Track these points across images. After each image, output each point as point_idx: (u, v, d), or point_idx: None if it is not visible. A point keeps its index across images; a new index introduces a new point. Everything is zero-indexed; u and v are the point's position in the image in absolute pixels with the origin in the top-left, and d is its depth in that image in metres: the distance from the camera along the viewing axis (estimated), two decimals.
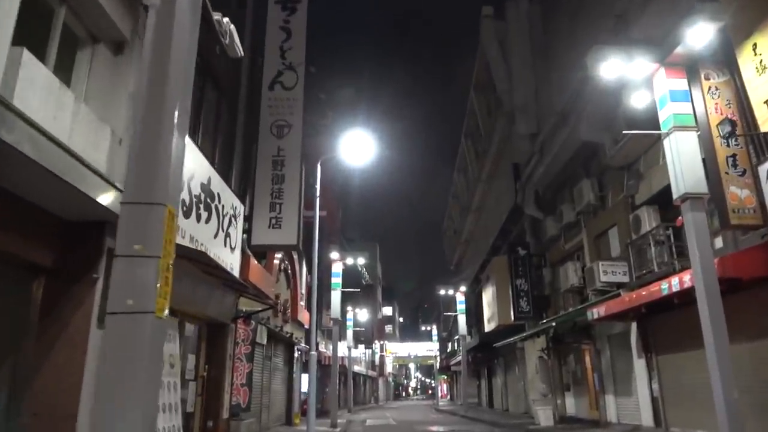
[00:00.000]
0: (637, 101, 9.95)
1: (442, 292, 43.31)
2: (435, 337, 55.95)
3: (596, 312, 12.69)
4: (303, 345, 22.99)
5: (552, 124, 16.89)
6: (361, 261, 33.71)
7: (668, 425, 12.14)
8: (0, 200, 4.96)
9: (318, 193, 12.09)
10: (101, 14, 6.06)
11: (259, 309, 11.01)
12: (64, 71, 5.94)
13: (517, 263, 20.06)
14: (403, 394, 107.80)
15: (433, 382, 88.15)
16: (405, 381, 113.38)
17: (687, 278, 8.73)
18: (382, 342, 62.17)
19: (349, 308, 34.70)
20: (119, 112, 6.44)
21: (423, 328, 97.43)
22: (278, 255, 15.29)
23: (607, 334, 15.15)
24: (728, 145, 8.85)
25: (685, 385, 11.41)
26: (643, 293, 10.34)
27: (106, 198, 5.84)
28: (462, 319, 30.68)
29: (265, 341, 14.43)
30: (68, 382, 5.58)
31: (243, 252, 11.52)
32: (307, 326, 22.36)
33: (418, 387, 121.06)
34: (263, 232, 11.25)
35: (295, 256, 18.19)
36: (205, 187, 8.83)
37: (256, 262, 12.07)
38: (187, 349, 9.35)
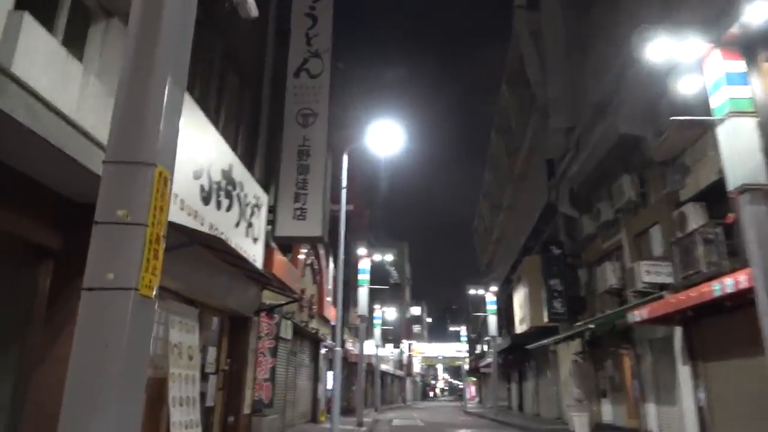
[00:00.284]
0: (685, 87, 9.25)
1: (472, 291, 42.52)
2: (464, 338, 55.10)
3: (638, 314, 11.94)
4: (329, 342, 22.71)
5: (589, 117, 16.13)
6: (389, 258, 33.21)
7: None
8: (6, 178, 4.68)
9: (345, 184, 11.67)
10: None
11: (283, 302, 10.67)
12: (76, 46, 5.65)
13: (551, 263, 19.31)
14: (431, 394, 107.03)
15: (460, 383, 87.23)
16: (432, 382, 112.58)
17: (743, 278, 8.01)
18: (410, 341, 61.63)
19: (377, 306, 34.31)
20: None
21: (451, 329, 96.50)
22: (304, 249, 14.97)
23: (648, 338, 14.34)
24: None
25: (735, 396, 10.61)
26: (693, 294, 9.61)
27: None
28: (492, 320, 29.96)
29: (290, 336, 14.11)
30: None
31: (267, 244, 11.21)
32: (333, 323, 22.06)
33: (446, 388, 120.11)
34: (287, 223, 10.90)
35: (322, 252, 17.86)
36: (227, 174, 8.50)
37: (280, 255, 11.75)
38: (207, 342, 9.05)
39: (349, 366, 29.19)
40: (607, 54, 15.04)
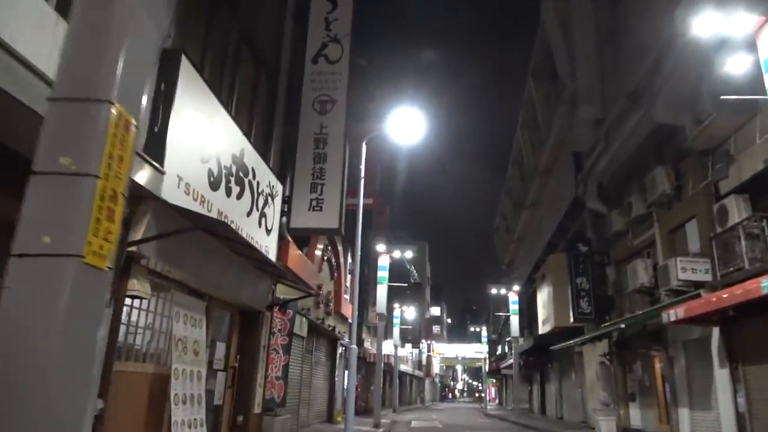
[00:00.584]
0: (732, 66, 8.53)
1: (494, 291, 41.69)
2: (484, 339, 54.23)
3: (674, 314, 11.18)
4: (346, 340, 22.24)
5: (620, 107, 15.37)
6: (408, 254, 32.59)
7: None
8: None
9: (363, 174, 11.15)
10: None
11: (296, 297, 10.18)
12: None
13: (577, 260, 18.54)
14: (450, 395, 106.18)
15: (480, 385, 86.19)
16: (452, 383, 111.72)
17: None
18: (429, 342, 60.94)
19: (396, 305, 33.74)
20: None
21: (471, 329, 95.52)
22: (321, 244, 14.49)
23: (682, 339, 13.56)
24: None
25: None
26: (738, 292, 8.87)
27: None
28: (515, 320, 29.20)
29: (305, 333, 13.65)
30: None
31: (282, 237, 10.73)
32: (351, 320, 21.60)
33: (465, 389, 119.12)
34: (303, 214, 10.41)
35: (340, 247, 17.38)
36: (237, 160, 8.03)
37: (296, 248, 11.27)
38: (216, 337, 8.60)
39: (368, 366, 28.69)
40: (642, 40, 14.30)
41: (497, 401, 66.93)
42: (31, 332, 1.80)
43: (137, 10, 2.23)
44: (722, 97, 8.89)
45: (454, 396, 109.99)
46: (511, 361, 34.29)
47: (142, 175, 5.47)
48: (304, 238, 13.41)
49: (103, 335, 5.17)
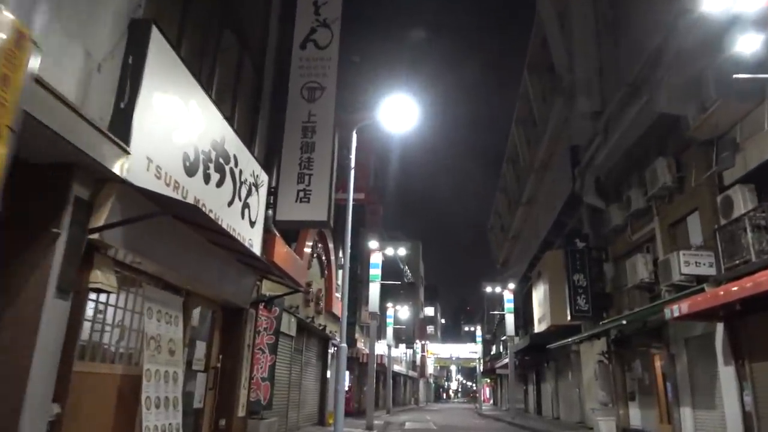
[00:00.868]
0: (743, 45, 8.08)
1: (488, 289, 41.24)
2: (478, 339, 53.79)
3: (677, 309, 10.76)
4: (338, 340, 21.69)
5: (620, 98, 14.94)
6: (402, 252, 32.05)
7: None
8: None
9: (353, 165, 10.62)
10: None
11: (282, 293, 9.65)
12: None
13: (574, 257, 18.12)
14: (444, 396, 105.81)
15: (474, 385, 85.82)
16: (446, 383, 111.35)
17: None
18: (423, 342, 60.48)
19: (390, 305, 33.23)
20: (99, 30, 5.14)
21: (466, 329, 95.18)
22: (310, 242, 13.95)
23: (684, 336, 13.14)
24: None
25: None
26: (748, 285, 8.42)
27: (75, 134, 4.55)
28: (510, 319, 28.75)
29: (294, 333, 13.11)
30: (12, 369, 4.30)
31: (268, 230, 10.20)
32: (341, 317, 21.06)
33: (459, 390, 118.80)
34: (289, 206, 9.87)
35: (331, 245, 16.85)
36: (218, 146, 7.50)
37: (283, 243, 10.74)
38: (196, 335, 8.05)
39: (361, 366, 28.16)
40: (643, 28, 13.89)
41: (492, 401, 66.57)
42: None
43: None
44: (735, 75, 8.43)
45: (448, 396, 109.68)
46: (506, 360, 33.85)
47: (105, 155, 4.94)
48: (292, 234, 12.88)
49: (57, 331, 4.64)
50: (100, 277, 5.17)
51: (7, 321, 4.44)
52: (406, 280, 46.53)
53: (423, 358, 60.56)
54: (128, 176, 5.25)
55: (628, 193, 15.39)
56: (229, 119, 8.09)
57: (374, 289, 19.25)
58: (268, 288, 10.40)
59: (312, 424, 16.12)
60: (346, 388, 27.74)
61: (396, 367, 40.89)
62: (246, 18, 9.81)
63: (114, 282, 5.40)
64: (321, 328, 15.69)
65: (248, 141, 9.39)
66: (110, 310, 5.97)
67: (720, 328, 11.37)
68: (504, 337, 35.85)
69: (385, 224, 33.33)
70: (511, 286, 30.42)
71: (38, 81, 4.83)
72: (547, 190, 24.68)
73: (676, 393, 13.37)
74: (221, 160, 7.60)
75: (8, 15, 1.61)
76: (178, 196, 6.16)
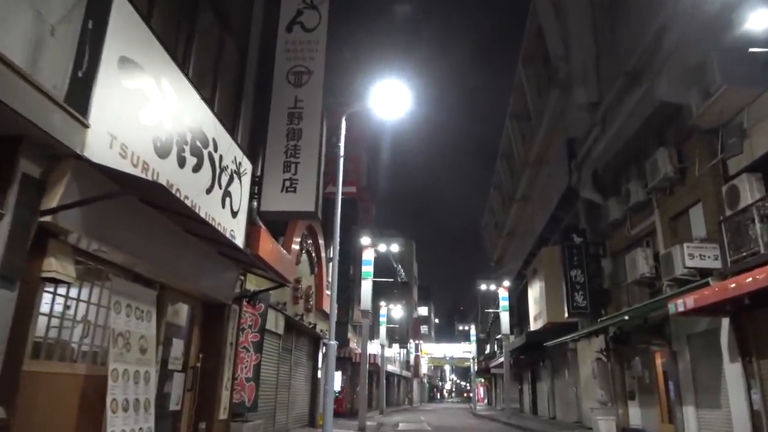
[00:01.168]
0: (754, 23, 7.61)
1: (483, 287, 40.77)
2: (473, 338, 53.36)
3: (681, 304, 10.28)
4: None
5: (618, 87, 14.49)
6: (395, 248, 31.48)
7: None
8: None
9: (342, 153, 10.09)
10: None
11: (266, 288, 9.11)
12: None
13: (572, 252, 17.65)
14: (438, 396, 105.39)
15: (468, 385, 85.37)
16: (440, 383, 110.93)
17: None
18: (417, 342, 59.98)
19: (383, 303, 32.69)
20: None
21: (460, 328, 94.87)
22: (297, 237, 13.39)
23: (686, 333, 12.68)
24: None
25: None
26: (761, 276, 7.94)
27: (23, 103, 4.01)
28: (505, 317, 28.28)
29: (282, 331, 12.55)
30: None
31: (252, 223, 9.67)
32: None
33: (453, 390, 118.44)
34: (275, 196, 9.35)
35: (321, 241, 16.29)
36: (195, 128, 6.97)
37: (269, 237, 10.19)
38: (173, 332, 7.50)
39: (353, 366, 27.61)
40: (642, 14, 13.42)
41: (486, 401, 66.16)
42: None
43: None
44: (751, 49, 7.97)
45: (442, 396, 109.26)
46: (501, 359, 33.40)
47: (59, 127, 4.40)
48: (280, 228, 12.34)
49: (1, 325, 4.09)
50: (54, 265, 4.63)
51: None
52: (399, 280, 46.00)
53: (417, 357, 60.04)
54: (87, 153, 4.71)
55: (627, 186, 14.95)
56: (207, 101, 7.55)
57: (366, 287, 18.72)
58: (253, 284, 9.85)
59: (302, 425, 15.56)
60: (338, 389, 27.29)
61: (389, 367, 40.36)
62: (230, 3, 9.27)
63: (72, 271, 4.85)
64: (311, 326, 15.14)
65: (231, 127, 8.86)
66: (74, 305, 5.43)
67: (726, 323, 10.92)
68: (499, 336, 35.44)
69: (377, 223, 32.80)
70: (506, 283, 29.97)
71: (55, 101, 4.33)
72: (543, 186, 24.24)
73: (678, 392, 12.91)
74: (198, 144, 7.05)
75: None
76: (135, 169, 5.60)
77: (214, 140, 7.56)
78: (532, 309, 24.89)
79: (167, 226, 6.32)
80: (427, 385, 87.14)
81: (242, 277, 9.19)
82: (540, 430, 18.72)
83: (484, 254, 47.59)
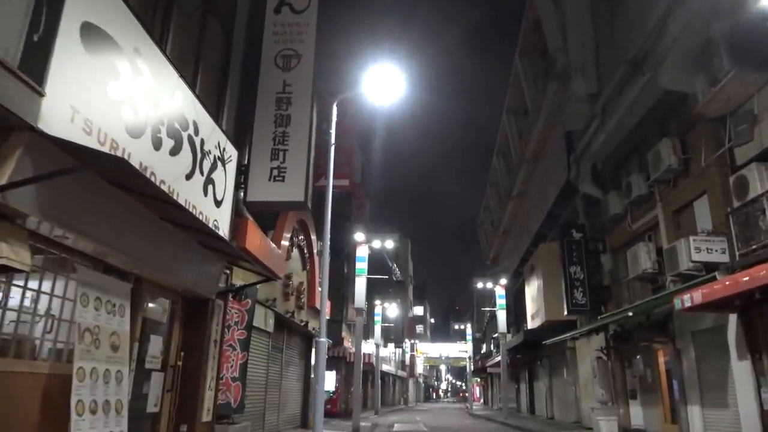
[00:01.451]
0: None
1: (480, 285, 40.29)
2: (469, 337, 52.93)
3: (688, 299, 9.85)
4: (327, 339, 20.60)
5: (619, 77, 14.03)
6: (390, 244, 30.96)
7: None
8: None
9: (333, 141, 9.60)
10: None
11: (253, 282, 8.61)
12: None
13: (571, 248, 17.22)
14: (434, 396, 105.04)
15: (464, 384, 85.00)
16: (436, 383, 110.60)
17: None
18: (412, 341, 59.54)
19: (378, 302, 32.20)
20: None
21: (455, 327, 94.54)
22: (289, 228, 12.90)
23: (691, 329, 12.26)
24: None
25: None
26: None
27: None
28: (502, 315, 27.84)
29: (272, 329, 12.05)
30: None
31: (239, 214, 9.19)
32: (328, 316, 20.01)
33: (449, 389, 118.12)
34: (262, 185, 8.85)
35: (314, 236, 15.79)
36: (172, 108, 6.46)
37: (257, 229, 9.71)
38: (151, 329, 7.00)
39: (348, 366, 27.13)
40: (642, 7, 12.97)
41: (482, 401, 65.79)
42: None
43: None
44: None
45: (438, 396, 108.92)
46: (498, 359, 32.98)
47: (11, 96, 3.91)
48: (270, 221, 11.85)
49: None
50: (5, 250, 4.12)
51: None
52: (394, 278, 45.54)
53: (412, 357, 59.60)
54: (43, 125, 4.21)
55: (628, 179, 14.51)
56: (187, 81, 7.03)
57: (360, 284, 18.23)
58: (240, 278, 9.35)
59: (294, 427, 15.06)
60: (333, 389, 26.80)
61: (385, 367, 39.90)
62: None
63: (27, 258, 4.35)
64: (303, 324, 14.64)
65: (215, 112, 8.36)
66: (36, 297, 4.94)
67: (733, 319, 10.50)
68: (495, 335, 35.02)
69: (372, 221, 32.29)
70: (503, 281, 29.53)
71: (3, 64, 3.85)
72: (540, 182, 23.81)
73: (682, 391, 12.48)
74: (177, 126, 6.55)
75: None
76: (97, 143, 5.10)
77: (195, 123, 7.07)
78: (530, 307, 24.47)
79: (142, 213, 5.82)
80: (423, 384, 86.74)
81: (227, 271, 8.69)
82: (538, 430, 18.29)
83: (480, 253, 47.18)
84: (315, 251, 15.96)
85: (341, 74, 13.80)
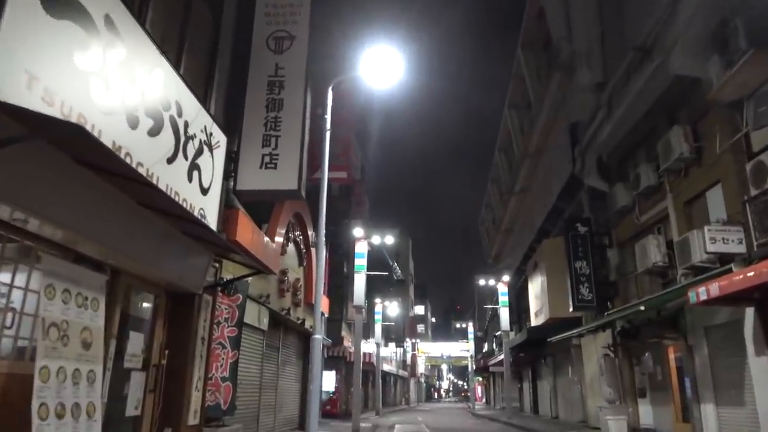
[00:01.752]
0: None
1: (482, 282, 39.74)
2: (470, 335, 52.43)
3: (704, 292, 9.33)
4: (325, 338, 20.12)
5: (627, 64, 13.53)
6: (390, 240, 30.39)
7: None
8: None
9: (328, 126, 9.09)
10: None
11: (243, 275, 8.10)
12: None
13: (576, 243, 16.70)
14: (435, 395, 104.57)
15: (466, 384, 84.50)
16: (437, 382, 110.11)
17: None
18: (414, 340, 59.04)
19: (378, 300, 31.69)
20: None
21: (457, 326, 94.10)
22: (285, 222, 12.41)
23: (704, 325, 11.74)
24: None
25: None
26: None
27: None
28: (504, 313, 27.33)
29: (266, 326, 11.55)
30: None
31: (229, 205, 8.69)
32: (326, 314, 19.51)
33: (451, 389, 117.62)
34: (253, 173, 8.36)
35: (311, 232, 15.29)
36: (151, 85, 5.96)
37: (249, 220, 9.19)
38: (131, 325, 6.49)
39: (348, 366, 26.62)
40: None
41: (484, 400, 65.26)
42: None
43: None
44: None
45: (440, 396, 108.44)
46: (500, 357, 32.47)
47: None
48: (263, 214, 11.36)
49: None
50: None
51: None
52: (395, 277, 45.02)
53: (414, 357, 59.11)
54: None
55: (636, 171, 14.00)
56: (168, 57, 6.52)
57: (359, 281, 17.74)
58: (230, 272, 8.84)
59: (291, 429, 14.56)
60: (333, 389, 26.30)
61: (386, 367, 39.40)
62: None
63: None
64: (299, 322, 14.13)
65: (202, 97, 7.86)
66: None
67: (750, 313, 9.99)
68: (498, 333, 34.52)
69: (372, 219, 31.77)
70: (506, 278, 29.02)
71: None
72: (543, 177, 23.30)
73: (695, 389, 11.97)
74: (157, 104, 6.05)
75: None
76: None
77: (177, 104, 6.56)
78: (533, 304, 23.96)
79: (118, 198, 5.32)
80: (425, 384, 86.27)
81: (216, 265, 8.18)
82: (544, 430, 17.78)
83: (481, 252, 46.67)
84: (312, 247, 15.46)
85: (337, 58, 13.27)
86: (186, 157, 6.76)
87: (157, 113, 6.04)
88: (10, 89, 3.84)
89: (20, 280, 4.77)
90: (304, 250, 14.98)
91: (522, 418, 25.78)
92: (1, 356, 4.61)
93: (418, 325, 69.96)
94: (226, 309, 8.56)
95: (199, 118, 7.17)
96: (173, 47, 7.35)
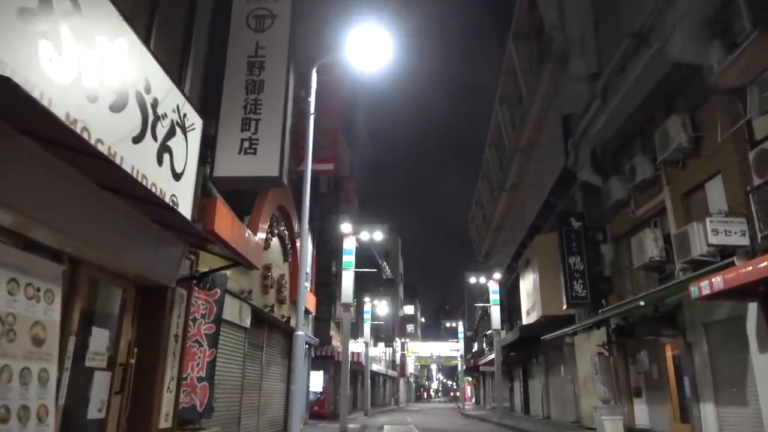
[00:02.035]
0: None
1: (472, 280, 39.32)
2: (460, 335, 52.05)
3: (707, 286, 8.93)
4: (313, 338, 19.57)
5: (622, 52, 13.13)
6: (379, 236, 29.83)
7: None
8: None
9: (312, 110, 8.57)
10: None
11: (219, 267, 7.55)
12: None
13: (570, 238, 16.30)
14: (425, 396, 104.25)
15: (455, 384, 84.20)
16: (427, 382, 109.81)
17: None
18: (403, 340, 58.58)
19: (367, 299, 31.17)
20: None
21: (447, 325, 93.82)
22: (268, 215, 11.86)
23: (703, 321, 11.37)
24: None
25: None
26: None
27: None
28: (495, 311, 26.92)
29: (248, 324, 10.99)
30: None
31: (207, 194, 8.14)
32: (313, 313, 18.97)
33: (440, 389, 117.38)
34: (231, 159, 7.82)
35: (296, 226, 14.72)
36: (114, 54, 5.40)
37: (228, 210, 8.65)
38: (95, 320, 5.93)
39: (336, 366, 26.06)
40: None
41: (474, 400, 64.95)
42: None
43: None
44: None
45: (429, 396, 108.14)
46: (490, 357, 32.12)
47: None
48: (246, 206, 10.81)
49: None
50: None
51: None
52: (385, 277, 44.52)
53: (403, 357, 58.64)
54: None
55: (632, 163, 13.61)
56: (133, 26, 5.94)
57: (348, 278, 17.21)
58: (208, 266, 8.28)
59: (276, 430, 13.99)
60: (320, 389, 25.72)
61: (374, 367, 38.88)
62: None
63: None
64: (284, 319, 13.58)
65: (177, 77, 7.31)
66: None
67: (753, 308, 9.60)
68: (489, 332, 34.14)
69: (360, 214, 31.22)
70: (497, 276, 28.62)
71: None
72: (535, 172, 22.91)
73: (694, 387, 11.59)
74: (120, 77, 5.49)
75: None
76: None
77: (145, 79, 6.01)
78: (525, 302, 23.58)
79: (74, 178, 4.76)
80: (414, 384, 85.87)
81: (192, 257, 7.63)
82: (538, 431, 17.37)
83: (471, 251, 46.31)
84: (297, 242, 14.91)
85: (322, 39, 12.74)
86: (155, 138, 6.20)
87: (121, 87, 5.49)
88: None
89: None
90: (290, 246, 14.43)
91: (513, 418, 25.39)
92: None
93: (407, 325, 69.55)
94: (203, 305, 8.00)
95: (170, 97, 6.61)
96: (143, 21, 6.79)
